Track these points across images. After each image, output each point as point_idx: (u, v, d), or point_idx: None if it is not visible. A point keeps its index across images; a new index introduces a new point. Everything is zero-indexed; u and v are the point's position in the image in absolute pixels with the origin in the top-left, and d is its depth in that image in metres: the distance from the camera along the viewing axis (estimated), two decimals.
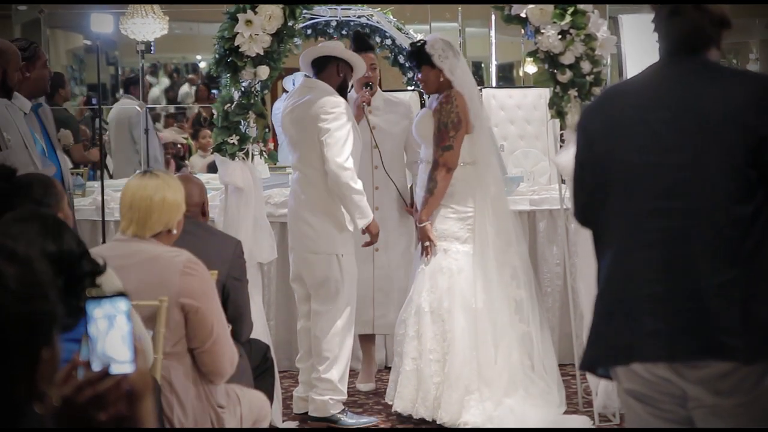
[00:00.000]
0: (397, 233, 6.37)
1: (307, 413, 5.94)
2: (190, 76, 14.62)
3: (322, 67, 5.90)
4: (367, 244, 5.92)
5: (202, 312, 3.93)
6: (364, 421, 5.90)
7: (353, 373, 6.90)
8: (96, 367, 1.79)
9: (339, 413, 5.85)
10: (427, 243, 5.78)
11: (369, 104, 6.26)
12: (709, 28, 2.87)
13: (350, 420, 5.87)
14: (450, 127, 5.76)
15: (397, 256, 6.43)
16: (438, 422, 5.66)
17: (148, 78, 10.93)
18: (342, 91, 5.91)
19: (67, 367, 1.81)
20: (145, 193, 4.02)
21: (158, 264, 3.94)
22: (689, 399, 2.77)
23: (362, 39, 6.44)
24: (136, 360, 1.80)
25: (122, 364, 1.80)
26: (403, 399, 5.73)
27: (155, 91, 14.14)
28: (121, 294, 1.81)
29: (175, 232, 4.07)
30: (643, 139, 2.83)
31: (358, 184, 5.71)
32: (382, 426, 5.88)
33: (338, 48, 5.93)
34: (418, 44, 5.94)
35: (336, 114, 5.72)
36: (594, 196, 2.93)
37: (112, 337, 1.80)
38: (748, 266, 2.70)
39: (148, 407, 1.83)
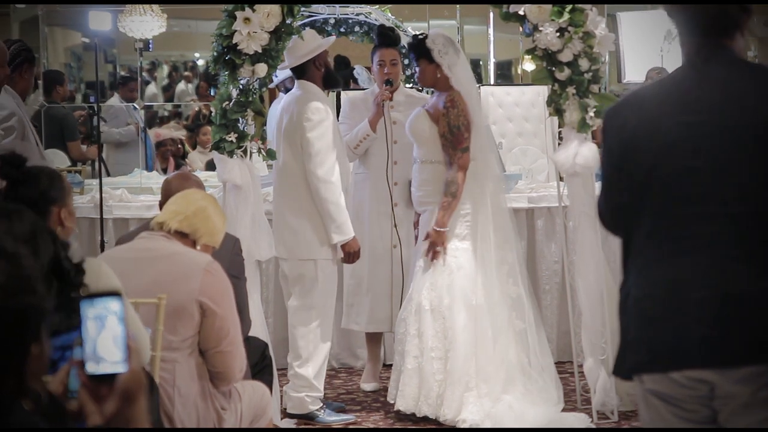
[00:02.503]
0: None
1: None
2: (186, 73, 14.61)
3: (302, 71, 5.91)
4: (343, 260, 5.90)
5: (221, 315, 3.98)
6: (343, 418, 5.91)
7: (356, 372, 6.92)
8: (89, 368, 1.79)
9: (316, 410, 5.87)
10: (440, 248, 5.76)
11: (391, 100, 6.27)
12: (733, 9, 2.82)
13: (329, 418, 5.89)
14: (463, 129, 5.77)
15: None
16: (441, 419, 5.66)
17: (144, 76, 10.94)
18: (330, 78, 5.95)
19: (65, 368, 1.81)
20: (193, 196, 4.25)
21: (183, 259, 4.01)
22: (718, 397, 2.73)
23: (384, 34, 6.45)
24: (129, 360, 1.80)
25: (115, 364, 1.79)
26: (406, 397, 5.73)
27: (152, 89, 14.13)
28: (114, 293, 1.81)
29: (198, 249, 4.15)
30: (686, 143, 2.77)
31: (336, 197, 5.72)
32: (378, 423, 5.89)
33: (301, 50, 5.89)
34: (420, 37, 5.94)
35: (315, 121, 5.74)
36: (630, 200, 2.86)
37: (105, 338, 1.79)
38: None
39: (141, 407, 1.82)
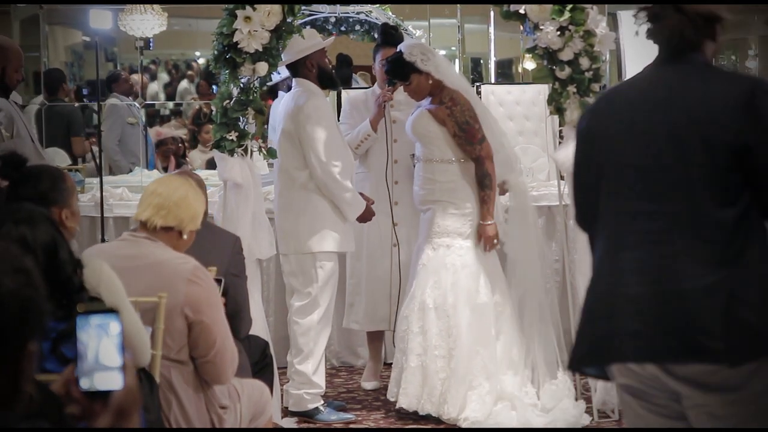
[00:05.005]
0: (417, 228, 6.32)
1: None
2: (189, 72, 14.59)
3: (295, 69, 5.93)
4: (362, 220, 5.97)
5: (207, 324, 3.92)
6: (344, 417, 5.91)
7: (357, 371, 6.92)
8: (83, 384, 1.78)
9: (316, 408, 5.88)
10: (496, 241, 5.79)
11: (391, 99, 6.26)
12: (691, 30, 2.86)
13: (330, 416, 5.88)
14: (472, 122, 5.79)
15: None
16: (444, 417, 5.67)
17: (134, 76, 10.93)
18: (323, 76, 5.94)
19: (70, 370, 1.80)
20: (171, 185, 4.07)
21: (165, 269, 3.91)
22: (683, 397, 2.78)
23: (387, 33, 6.45)
24: (124, 377, 1.79)
25: (110, 381, 1.78)
26: (408, 395, 5.73)
27: (153, 88, 14.12)
28: (111, 310, 1.80)
29: (185, 237, 4.06)
30: (635, 141, 2.85)
31: (344, 184, 5.80)
32: (378, 422, 5.89)
33: (294, 49, 5.90)
34: (396, 56, 5.90)
35: (315, 119, 5.75)
36: (588, 196, 2.96)
37: (100, 354, 1.78)
38: (733, 269, 2.70)
39: (134, 424, 1.81)
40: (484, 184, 5.78)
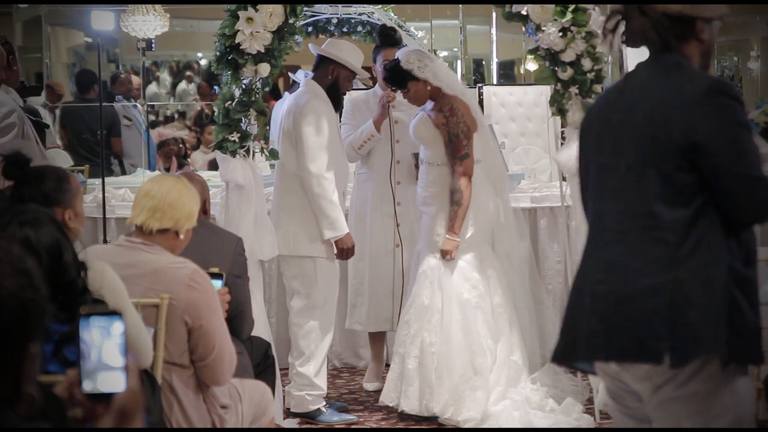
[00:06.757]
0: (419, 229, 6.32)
1: None
2: (188, 73, 14.60)
3: (317, 66, 5.93)
4: (338, 257, 5.86)
5: (206, 328, 3.90)
6: (345, 418, 5.91)
7: (359, 372, 6.92)
8: (86, 386, 1.78)
9: (318, 409, 5.88)
10: (449, 256, 5.75)
11: (394, 99, 6.25)
12: (654, 32, 2.86)
13: (331, 417, 5.88)
14: (462, 137, 5.77)
15: None
16: (446, 416, 5.67)
17: (135, 78, 10.97)
18: (333, 91, 5.91)
19: (74, 373, 1.80)
20: (164, 186, 4.01)
21: (163, 277, 3.88)
22: (643, 398, 2.82)
23: (387, 34, 6.43)
24: (127, 379, 1.80)
25: (113, 384, 1.79)
26: (410, 398, 5.72)
27: (152, 89, 14.14)
28: (115, 313, 1.80)
29: (182, 237, 4.02)
30: (605, 141, 2.89)
31: (329, 193, 5.72)
32: (380, 423, 5.89)
33: (332, 49, 5.91)
34: (393, 64, 5.90)
35: (311, 118, 5.73)
36: (585, 195, 3.02)
37: (104, 357, 1.79)
38: (681, 270, 2.71)
39: (137, 425, 1.82)
40: (454, 199, 5.75)
